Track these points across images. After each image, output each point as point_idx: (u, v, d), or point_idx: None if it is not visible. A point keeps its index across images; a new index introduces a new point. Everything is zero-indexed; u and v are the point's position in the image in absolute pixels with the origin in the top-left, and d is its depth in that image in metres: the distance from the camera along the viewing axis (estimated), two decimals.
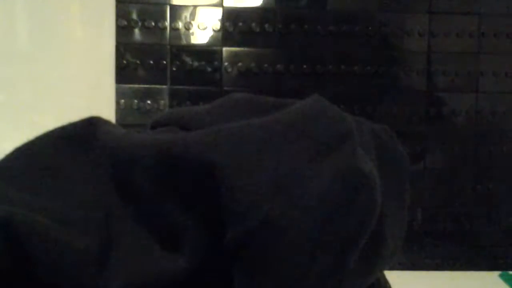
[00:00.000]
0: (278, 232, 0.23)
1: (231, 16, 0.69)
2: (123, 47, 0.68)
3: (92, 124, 0.28)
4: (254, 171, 0.24)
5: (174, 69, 0.69)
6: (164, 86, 0.69)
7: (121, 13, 0.68)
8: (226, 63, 0.69)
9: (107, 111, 0.68)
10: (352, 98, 0.71)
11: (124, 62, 0.68)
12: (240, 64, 0.69)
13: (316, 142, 0.26)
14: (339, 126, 0.27)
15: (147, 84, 0.69)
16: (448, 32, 0.71)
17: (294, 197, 0.24)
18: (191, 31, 0.69)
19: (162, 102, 0.69)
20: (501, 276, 0.70)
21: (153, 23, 0.68)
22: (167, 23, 0.68)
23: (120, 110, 0.69)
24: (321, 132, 0.26)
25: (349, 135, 0.26)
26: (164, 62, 0.69)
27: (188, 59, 0.69)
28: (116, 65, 0.68)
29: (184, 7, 0.69)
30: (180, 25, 0.69)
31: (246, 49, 0.69)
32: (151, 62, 0.69)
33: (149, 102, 0.69)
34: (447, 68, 0.71)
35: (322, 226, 0.24)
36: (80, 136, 0.28)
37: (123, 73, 0.69)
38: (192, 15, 0.69)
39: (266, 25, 0.69)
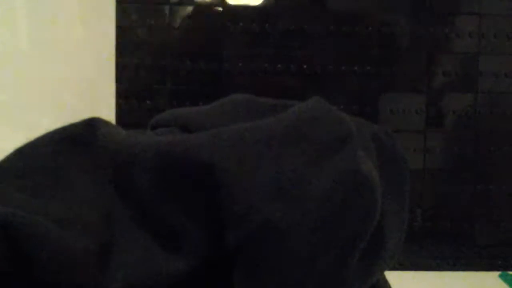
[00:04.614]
0: (279, 234, 0.24)
1: (231, 16, 0.69)
2: (123, 47, 0.68)
3: (92, 125, 0.28)
4: (254, 173, 0.24)
5: (174, 69, 0.69)
6: (164, 86, 0.69)
7: (121, 13, 0.68)
8: (226, 63, 0.69)
9: (107, 111, 0.68)
10: (352, 98, 0.71)
11: (124, 62, 0.68)
12: (240, 64, 0.69)
13: (316, 144, 0.26)
14: (339, 128, 0.27)
15: (147, 84, 0.69)
16: (448, 32, 0.71)
17: (294, 199, 0.24)
18: (191, 31, 0.69)
19: (162, 102, 0.69)
20: (501, 276, 0.70)
21: (153, 23, 0.68)
22: (167, 23, 0.68)
23: (120, 110, 0.69)
24: (321, 134, 0.26)
25: (350, 137, 0.26)
26: (164, 62, 0.69)
27: (188, 59, 0.69)
28: (116, 65, 0.68)
29: (184, 7, 0.68)
30: (180, 25, 0.68)
31: (246, 49, 0.69)
32: (151, 62, 0.68)
33: (149, 102, 0.69)
34: (447, 68, 0.71)
35: (323, 228, 0.24)
36: (80, 137, 0.28)
37: (123, 73, 0.68)
38: (192, 15, 0.69)
39: (266, 25, 0.69)
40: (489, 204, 0.73)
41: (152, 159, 0.25)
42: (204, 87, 0.69)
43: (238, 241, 0.24)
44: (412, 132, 0.72)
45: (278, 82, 0.69)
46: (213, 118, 0.30)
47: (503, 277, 0.70)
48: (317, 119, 0.27)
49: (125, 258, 0.25)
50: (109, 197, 0.26)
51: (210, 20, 0.69)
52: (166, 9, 0.68)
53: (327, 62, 0.70)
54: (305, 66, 0.70)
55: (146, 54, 0.68)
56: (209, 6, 0.69)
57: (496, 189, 0.73)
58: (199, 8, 0.69)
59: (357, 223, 0.25)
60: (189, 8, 0.69)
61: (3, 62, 0.67)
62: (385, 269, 0.31)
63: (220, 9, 0.69)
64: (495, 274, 0.71)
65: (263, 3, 0.69)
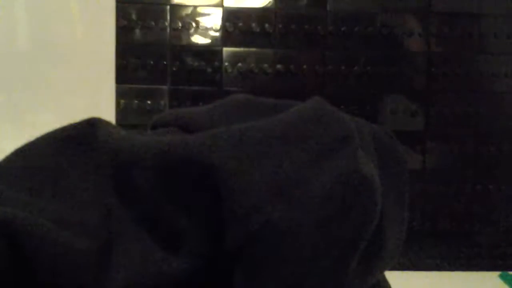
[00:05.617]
0: (279, 234, 0.23)
1: (231, 16, 0.69)
2: (123, 47, 0.68)
3: (92, 125, 0.28)
4: (255, 174, 0.24)
5: (174, 69, 0.69)
6: (164, 86, 0.69)
7: (121, 13, 0.68)
8: (226, 63, 0.69)
9: (107, 111, 0.68)
10: (352, 98, 0.71)
11: (124, 62, 0.68)
12: (240, 64, 0.69)
13: (316, 144, 0.26)
14: (340, 128, 0.27)
15: (147, 84, 0.69)
16: (448, 32, 0.71)
17: (294, 199, 0.24)
18: (191, 31, 0.69)
19: (162, 102, 0.69)
20: (501, 276, 0.70)
21: (153, 23, 0.68)
22: (167, 23, 0.68)
23: (120, 110, 0.69)
24: (322, 134, 0.26)
25: (350, 137, 0.26)
26: (164, 62, 0.69)
27: (188, 59, 0.69)
28: (116, 65, 0.68)
29: (184, 7, 0.69)
30: (180, 25, 0.68)
31: (246, 49, 0.69)
32: (151, 62, 0.68)
33: (149, 102, 0.69)
34: (447, 68, 0.71)
35: (323, 228, 0.24)
36: (80, 137, 0.28)
37: (123, 73, 0.68)
38: (192, 15, 0.69)
39: (266, 25, 0.69)
40: (489, 204, 0.73)
41: (152, 159, 0.25)
42: (204, 87, 0.69)
43: (238, 241, 0.24)
44: (412, 132, 0.72)
45: (278, 82, 0.69)
46: (213, 118, 0.30)
47: (503, 277, 0.70)
48: (318, 119, 0.27)
49: (125, 258, 0.25)
50: (109, 197, 0.26)
51: (210, 20, 0.69)
52: (166, 9, 0.68)
53: (327, 62, 0.70)
54: (305, 66, 0.70)
55: (146, 54, 0.68)
56: (209, 6, 0.69)
57: (496, 189, 0.73)
58: (199, 8, 0.69)
59: (357, 223, 0.25)
60: (189, 8, 0.69)
61: (3, 62, 0.67)
62: (385, 269, 0.31)
63: (220, 9, 0.69)
64: (495, 274, 0.71)
65: (263, 3, 0.69)
